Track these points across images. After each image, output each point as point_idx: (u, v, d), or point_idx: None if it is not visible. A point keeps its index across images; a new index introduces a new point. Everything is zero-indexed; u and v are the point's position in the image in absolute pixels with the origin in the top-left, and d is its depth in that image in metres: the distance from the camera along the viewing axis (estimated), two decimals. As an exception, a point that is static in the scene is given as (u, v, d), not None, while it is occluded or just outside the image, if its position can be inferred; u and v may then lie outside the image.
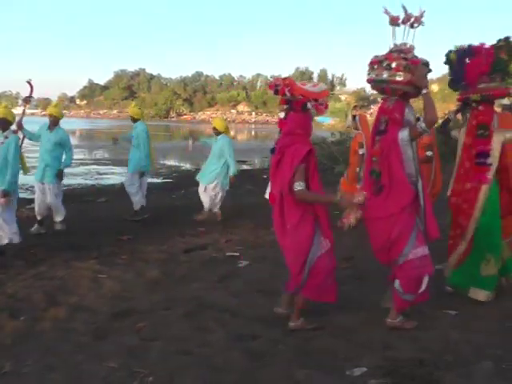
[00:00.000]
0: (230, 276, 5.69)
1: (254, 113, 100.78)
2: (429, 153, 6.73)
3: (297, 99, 4.02)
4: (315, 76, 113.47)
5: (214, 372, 3.57)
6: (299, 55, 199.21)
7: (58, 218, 7.77)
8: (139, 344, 4.01)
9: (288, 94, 3.98)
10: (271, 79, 4.64)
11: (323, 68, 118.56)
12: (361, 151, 7.62)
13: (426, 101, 4.05)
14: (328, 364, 3.69)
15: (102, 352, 3.87)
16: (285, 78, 4.09)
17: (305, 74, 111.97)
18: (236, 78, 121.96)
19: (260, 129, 46.06)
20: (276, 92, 4.08)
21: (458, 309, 4.66)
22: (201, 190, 8.79)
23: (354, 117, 8.17)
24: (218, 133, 8.69)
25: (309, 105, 4.00)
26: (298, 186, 3.91)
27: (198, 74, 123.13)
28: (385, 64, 4.07)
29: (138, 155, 8.64)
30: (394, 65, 4.03)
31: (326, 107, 4.11)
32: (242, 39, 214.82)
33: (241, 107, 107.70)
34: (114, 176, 17.00)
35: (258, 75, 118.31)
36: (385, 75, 4.07)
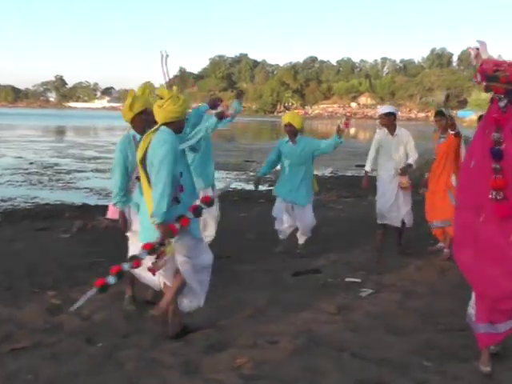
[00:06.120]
0: (349, 307, 5.66)
1: (378, 106, 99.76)
2: None
3: None
4: (455, 59, 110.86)
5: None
6: (433, 35, 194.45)
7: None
8: (238, 383, 4.03)
9: None
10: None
11: (465, 49, 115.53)
12: None
13: None
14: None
15: (192, 390, 3.94)
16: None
17: (442, 57, 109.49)
18: (357, 64, 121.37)
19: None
20: (493, 78, 3.90)
21: None
22: (285, 210, 7.80)
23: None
24: (294, 132, 7.56)
25: None
26: None
27: (312, 60, 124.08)
28: None
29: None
30: None
31: None
32: (362, 17, 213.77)
33: (363, 99, 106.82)
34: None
35: (385, 59, 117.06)
36: None
